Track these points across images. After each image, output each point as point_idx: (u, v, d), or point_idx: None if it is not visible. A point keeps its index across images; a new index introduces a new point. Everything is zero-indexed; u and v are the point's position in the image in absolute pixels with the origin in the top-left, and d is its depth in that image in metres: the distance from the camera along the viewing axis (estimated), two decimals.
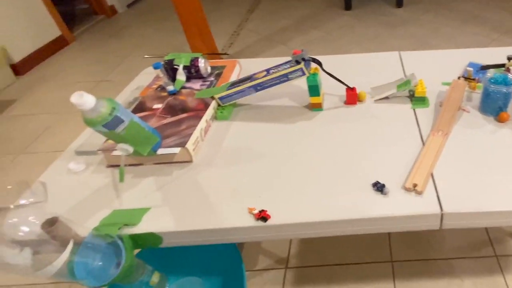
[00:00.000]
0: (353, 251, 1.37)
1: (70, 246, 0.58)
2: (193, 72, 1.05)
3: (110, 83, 2.68)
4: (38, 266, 0.56)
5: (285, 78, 0.93)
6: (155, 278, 0.78)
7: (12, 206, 0.55)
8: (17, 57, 2.83)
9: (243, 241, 0.69)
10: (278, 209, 0.69)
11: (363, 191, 0.72)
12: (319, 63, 0.96)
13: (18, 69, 2.83)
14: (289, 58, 0.97)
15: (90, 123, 0.68)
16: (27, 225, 0.57)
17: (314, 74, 0.94)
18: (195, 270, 0.96)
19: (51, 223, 0.58)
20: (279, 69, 0.94)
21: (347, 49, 2.86)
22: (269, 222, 0.67)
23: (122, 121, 0.71)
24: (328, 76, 0.97)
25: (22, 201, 0.57)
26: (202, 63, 1.05)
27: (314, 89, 0.95)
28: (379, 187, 0.71)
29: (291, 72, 0.92)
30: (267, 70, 0.96)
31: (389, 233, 1.40)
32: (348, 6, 3.52)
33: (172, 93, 0.98)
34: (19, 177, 1.89)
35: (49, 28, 3.14)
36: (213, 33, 2.67)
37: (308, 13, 3.54)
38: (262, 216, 0.68)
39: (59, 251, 0.58)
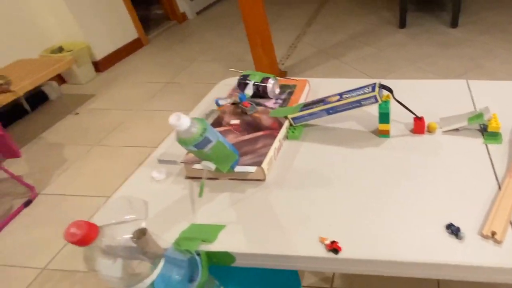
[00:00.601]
0: (399, 283, 1.26)
1: (161, 264, 0.56)
2: (260, 91, 1.02)
3: (177, 85, 2.70)
4: (127, 279, 0.54)
5: (357, 104, 0.87)
6: None
7: (114, 222, 0.54)
8: (99, 55, 2.92)
9: (312, 270, 0.65)
10: (347, 241, 0.64)
11: (435, 231, 0.65)
12: (391, 91, 0.90)
13: (99, 66, 2.92)
14: (356, 80, 0.91)
15: (183, 142, 0.66)
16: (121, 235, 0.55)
17: (386, 102, 0.88)
18: (250, 284, 0.92)
19: (140, 235, 0.56)
20: (352, 94, 0.89)
21: (399, 67, 2.74)
22: (339, 255, 0.62)
23: (210, 141, 0.68)
24: (396, 102, 0.90)
25: (124, 218, 0.56)
26: (271, 83, 1.01)
27: (385, 117, 0.89)
28: (453, 230, 0.64)
29: (364, 99, 0.86)
30: (340, 95, 0.91)
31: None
32: (402, 24, 3.38)
33: (242, 100, 0.95)
34: (93, 168, 1.93)
35: (128, 30, 3.22)
36: (273, 44, 2.64)
37: (362, 29, 3.43)
38: (334, 248, 0.63)
39: (146, 264, 0.56)
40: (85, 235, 0.48)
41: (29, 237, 1.56)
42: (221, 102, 0.98)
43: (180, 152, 0.87)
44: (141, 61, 3.11)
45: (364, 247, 0.63)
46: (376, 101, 0.86)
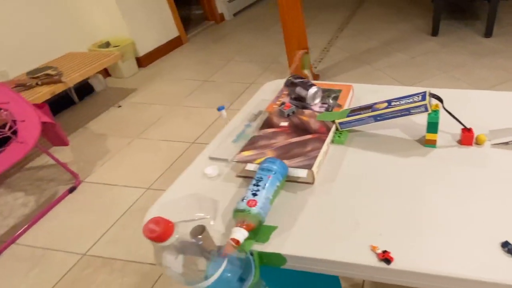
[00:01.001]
0: None
1: (225, 263, 0.54)
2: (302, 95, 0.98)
3: (213, 83, 2.69)
4: (188, 276, 0.52)
5: (406, 112, 0.83)
6: None
7: (183, 220, 0.52)
8: (142, 51, 2.95)
9: (361, 278, 0.61)
10: (398, 252, 0.60)
11: (488, 249, 0.60)
12: (441, 100, 0.85)
13: (141, 62, 2.95)
14: (394, 87, 0.86)
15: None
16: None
17: (436, 111, 0.82)
18: (292, 285, 0.89)
19: (199, 232, 0.53)
20: (401, 102, 0.84)
21: (432, 75, 2.64)
22: (391, 265, 0.58)
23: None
24: (444, 112, 0.85)
25: (193, 216, 0.54)
26: (313, 89, 0.96)
27: (433, 126, 0.83)
28: (510, 249, 0.60)
29: (414, 107, 0.81)
30: (388, 102, 0.86)
31: None
32: (435, 32, 3.26)
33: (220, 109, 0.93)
34: (133, 159, 1.94)
35: (170, 29, 3.24)
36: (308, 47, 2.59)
37: (395, 36, 3.33)
38: (386, 258, 0.59)
39: (203, 261, 0.54)
40: (163, 232, 0.48)
41: (72, 222, 1.58)
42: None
43: (231, 150, 0.84)
44: (180, 59, 3.12)
45: (416, 259, 0.59)
46: (426, 110, 0.81)
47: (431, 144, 0.86)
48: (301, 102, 0.97)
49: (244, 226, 0.61)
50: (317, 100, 0.98)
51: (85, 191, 1.75)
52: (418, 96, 0.83)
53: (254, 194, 0.64)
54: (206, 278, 0.53)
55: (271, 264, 0.63)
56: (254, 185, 0.66)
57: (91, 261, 1.40)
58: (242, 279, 0.61)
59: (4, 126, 1.49)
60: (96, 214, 1.61)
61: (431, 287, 0.59)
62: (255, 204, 0.63)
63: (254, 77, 2.70)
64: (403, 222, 0.66)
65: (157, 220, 0.48)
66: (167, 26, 3.19)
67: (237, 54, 3.14)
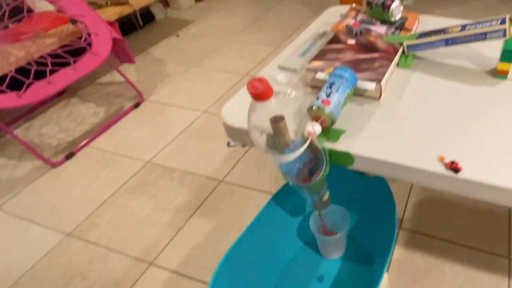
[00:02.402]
0: (469, 233, 1.14)
1: (305, 145, 0.53)
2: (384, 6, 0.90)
3: (265, 22, 2.59)
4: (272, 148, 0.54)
5: (482, 36, 0.75)
6: (326, 195, 0.72)
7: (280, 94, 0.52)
8: None
9: (426, 186, 0.59)
10: (466, 164, 0.57)
11: None
12: None
13: None
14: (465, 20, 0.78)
15: None
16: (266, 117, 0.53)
17: None
18: (342, 201, 0.89)
19: (277, 120, 0.52)
20: (477, 26, 0.76)
21: None
22: (459, 175, 0.56)
23: None
24: None
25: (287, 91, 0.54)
26: (395, 3, 0.89)
27: (509, 55, 0.76)
28: None
29: (491, 32, 0.74)
30: (463, 26, 0.79)
31: (509, 227, 1.17)
32: None
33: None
34: (190, 85, 1.94)
35: None
36: None
37: None
38: (454, 167, 0.56)
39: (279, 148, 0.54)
40: (265, 90, 0.48)
41: (137, 134, 1.64)
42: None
43: (300, 62, 0.81)
44: None
45: (483, 172, 0.56)
46: (504, 35, 0.74)
47: (503, 75, 0.79)
48: (368, 24, 0.90)
49: (318, 121, 0.60)
50: (398, 15, 0.91)
51: (148, 108, 1.79)
52: (496, 21, 0.75)
53: (328, 96, 0.62)
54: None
55: (339, 163, 0.62)
56: (327, 87, 0.64)
57: (154, 168, 1.46)
58: (311, 173, 0.60)
59: (79, 38, 1.51)
60: (158, 129, 1.66)
61: (496, 200, 0.57)
62: (329, 104, 0.61)
63: (304, 19, 2.57)
64: (471, 140, 0.62)
65: (260, 79, 0.48)
66: None
67: None
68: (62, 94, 1.89)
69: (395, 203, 0.79)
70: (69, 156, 1.52)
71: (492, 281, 1.02)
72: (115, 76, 2.01)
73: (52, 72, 1.39)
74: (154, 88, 1.92)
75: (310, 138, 0.54)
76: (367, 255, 0.91)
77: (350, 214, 0.87)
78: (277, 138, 0.53)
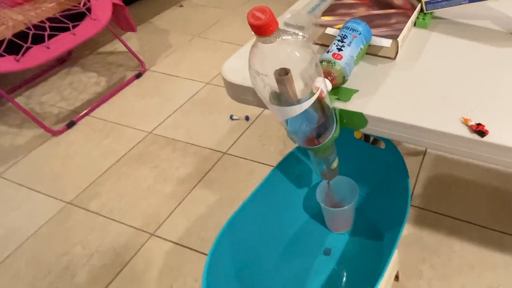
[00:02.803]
0: (480, 212, 1.09)
1: (314, 97, 0.47)
2: None
3: None
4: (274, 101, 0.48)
5: None
6: (335, 163, 0.67)
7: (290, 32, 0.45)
8: None
9: (448, 151, 0.53)
10: (494, 127, 0.51)
11: None
12: None
13: None
14: None
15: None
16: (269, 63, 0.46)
17: None
18: (350, 172, 0.84)
19: (283, 73, 0.46)
20: None
21: None
22: (486, 138, 0.50)
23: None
24: None
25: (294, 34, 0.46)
26: None
27: None
28: None
29: None
30: None
31: None
32: None
33: None
34: (194, 55, 1.87)
35: None
36: None
37: None
38: (480, 130, 0.51)
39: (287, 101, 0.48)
40: (268, 21, 0.38)
41: (139, 104, 1.58)
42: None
43: (307, 19, 0.74)
44: None
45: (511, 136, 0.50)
46: None
47: None
48: None
49: (328, 78, 0.54)
50: None
51: (150, 78, 1.73)
52: None
53: (339, 49, 0.56)
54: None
55: (351, 125, 0.57)
56: (338, 41, 0.57)
57: (156, 139, 1.41)
58: (319, 135, 0.55)
59: (79, 3, 1.44)
60: (160, 99, 1.60)
61: None
62: (341, 58, 0.55)
63: None
64: (496, 102, 0.56)
65: (262, 9, 0.39)
66: None
67: None
68: (64, 62, 1.83)
69: (408, 174, 0.74)
70: (70, 124, 1.47)
71: (504, 261, 0.98)
72: (117, 46, 1.94)
73: (50, 37, 1.32)
74: (156, 59, 1.85)
75: (319, 91, 0.48)
76: (376, 229, 0.87)
77: (359, 186, 0.82)
78: (282, 95, 0.47)
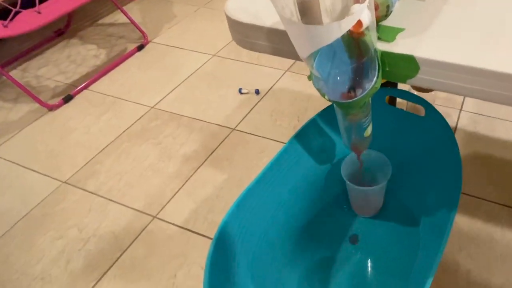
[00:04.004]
0: None
1: (350, 21, 0.33)
2: None
3: None
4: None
5: None
6: (369, 129, 0.53)
7: None
8: None
9: None
10: None
11: None
12: None
13: None
14: None
15: None
16: None
17: None
18: (381, 147, 0.70)
19: None
20: None
21: None
22: None
23: None
24: None
25: None
26: None
27: None
28: None
29: None
30: None
31: None
32: None
33: None
34: (199, 26, 1.72)
35: None
36: None
37: None
38: None
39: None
40: None
41: (141, 78, 1.44)
42: None
43: None
44: None
45: None
46: None
47: None
48: None
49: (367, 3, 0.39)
50: None
51: (152, 50, 1.58)
52: None
53: None
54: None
55: (396, 73, 0.42)
56: None
57: (159, 114, 1.28)
58: (354, 85, 0.41)
59: None
60: (163, 72, 1.46)
61: None
62: None
63: None
64: None
65: None
66: None
67: None
68: (62, 35, 1.69)
69: (458, 149, 0.60)
70: (68, 99, 1.35)
71: None
72: (118, 17, 1.79)
73: (42, 1, 1.18)
74: (159, 30, 1.70)
75: (356, 22, 0.33)
76: (409, 213, 0.73)
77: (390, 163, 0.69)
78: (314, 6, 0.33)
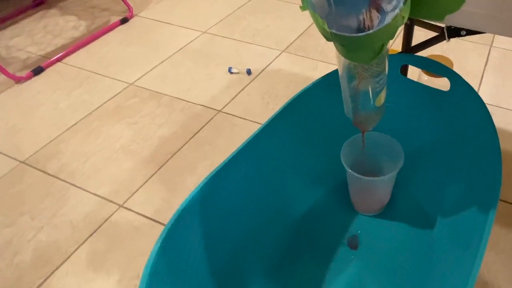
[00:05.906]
0: None
1: None
2: None
3: None
4: None
5: None
6: (383, 95, 0.38)
7: None
8: None
9: None
10: None
11: None
12: None
13: None
14: None
15: None
16: None
17: None
18: (392, 128, 0.54)
19: None
20: None
21: None
22: None
23: None
24: None
25: None
26: None
27: None
28: None
29: None
30: None
31: None
32: None
33: None
34: (190, 1, 1.55)
35: None
36: None
37: None
38: None
39: None
40: None
41: (122, 52, 1.28)
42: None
43: None
44: None
45: None
46: None
47: None
48: None
49: None
50: None
51: (137, 24, 1.41)
52: None
53: None
54: None
55: (433, 5, 0.27)
56: None
57: (138, 91, 1.12)
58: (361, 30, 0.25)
59: None
60: (147, 48, 1.29)
61: None
62: None
63: None
64: None
65: None
66: None
67: None
68: (40, 5, 1.52)
69: (497, 133, 0.44)
70: (38, 71, 1.18)
71: None
72: None
73: None
74: (147, 4, 1.53)
75: None
76: (422, 212, 0.58)
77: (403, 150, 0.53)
78: None
